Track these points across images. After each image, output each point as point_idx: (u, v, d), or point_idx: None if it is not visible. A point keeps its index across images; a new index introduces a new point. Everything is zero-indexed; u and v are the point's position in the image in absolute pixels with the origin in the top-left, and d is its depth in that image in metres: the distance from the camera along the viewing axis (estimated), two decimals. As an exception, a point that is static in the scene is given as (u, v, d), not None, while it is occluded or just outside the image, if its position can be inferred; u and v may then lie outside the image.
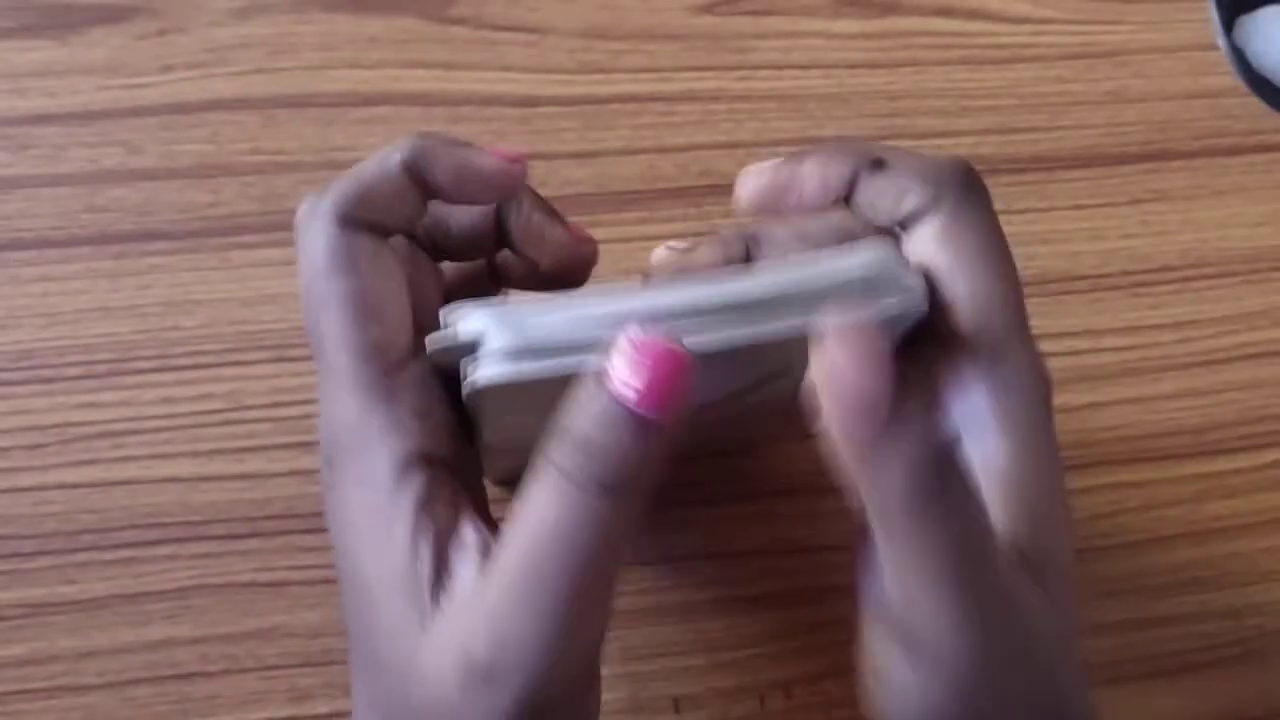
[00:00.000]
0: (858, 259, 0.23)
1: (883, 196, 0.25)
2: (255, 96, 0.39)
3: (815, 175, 0.25)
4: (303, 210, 0.24)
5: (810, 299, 0.22)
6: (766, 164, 0.26)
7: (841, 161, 0.25)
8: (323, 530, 0.35)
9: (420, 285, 0.25)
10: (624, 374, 0.20)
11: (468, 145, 0.25)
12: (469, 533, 0.22)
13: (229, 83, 0.39)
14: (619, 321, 0.21)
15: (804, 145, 0.41)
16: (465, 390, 0.22)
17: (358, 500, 0.22)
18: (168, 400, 0.36)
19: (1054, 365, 0.40)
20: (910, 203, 0.24)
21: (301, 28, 0.40)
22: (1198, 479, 0.39)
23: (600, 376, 0.20)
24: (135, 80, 0.39)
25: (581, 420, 0.20)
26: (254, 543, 0.35)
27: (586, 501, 0.20)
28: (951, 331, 0.24)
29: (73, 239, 0.37)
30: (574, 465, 0.20)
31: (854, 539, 0.23)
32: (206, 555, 0.33)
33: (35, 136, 0.38)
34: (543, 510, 0.20)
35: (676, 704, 0.34)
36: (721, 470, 0.37)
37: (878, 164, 0.25)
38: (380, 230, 0.24)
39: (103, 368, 0.36)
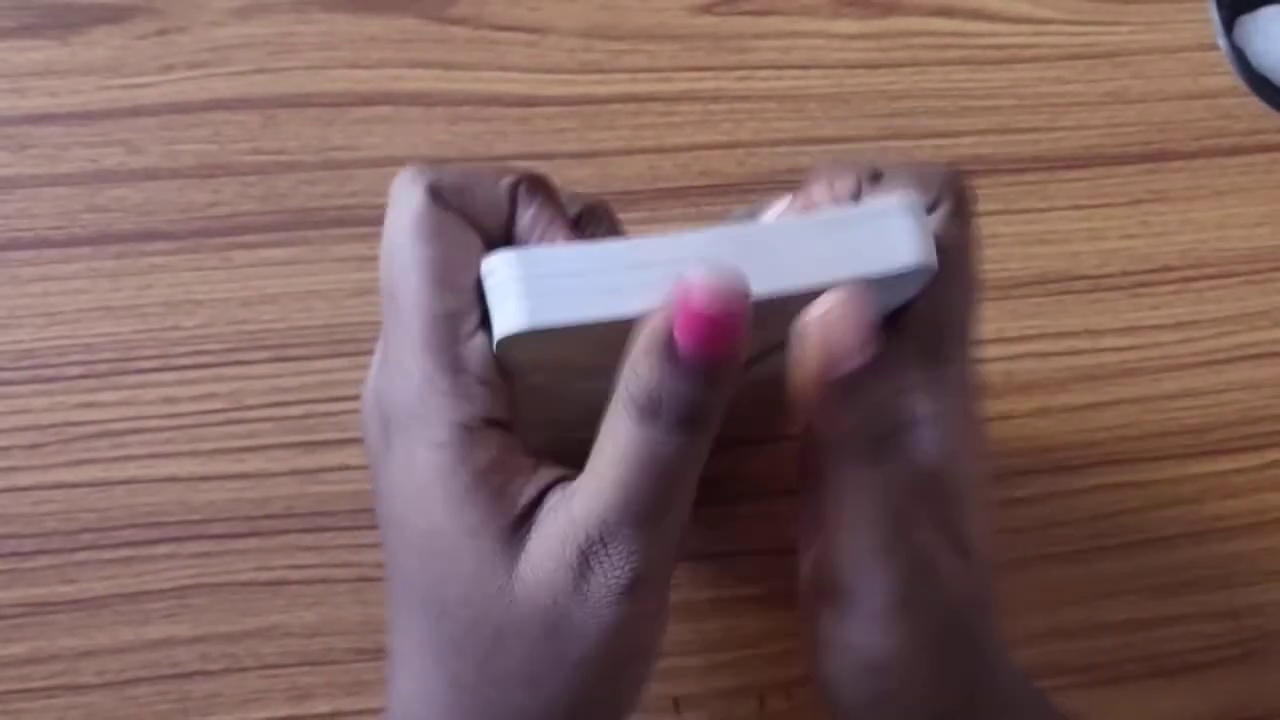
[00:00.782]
0: (884, 204, 0.24)
1: None
2: (256, 96, 0.39)
3: (824, 194, 0.26)
4: (402, 177, 0.24)
5: (835, 251, 0.23)
6: (781, 201, 0.28)
7: (845, 176, 0.26)
8: (322, 529, 0.36)
9: None
10: (687, 316, 0.21)
11: (561, 227, 0.25)
12: (546, 474, 0.23)
13: (229, 82, 0.39)
14: (644, 264, 0.22)
15: (804, 146, 0.41)
16: (497, 337, 0.23)
17: (426, 459, 0.23)
18: (168, 400, 0.36)
19: (1054, 365, 0.40)
20: None
21: (302, 27, 0.40)
22: (1198, 479, 0.39)
23: (665, 320, 0.21)
24: (136, 80, 0.39)
25: (650, 362, 0.21)
26: (254, 542, 0.35)
27: (666, 438, 0.22)
28: (912, 329, 0.25)
29: (73, 239, 0.37)
30: (650, 404, 0.21)
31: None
32: (206, 554, 0.33)
33: (36, 136, 0.38)
34: (624, 445, 0.22)
35: (677, 704, 0.34)
36: (722, 470, 0.37)
37: (876, 176, 0.26)
38: (467, 218, 0.24)
39: (103, 367, 0.36)
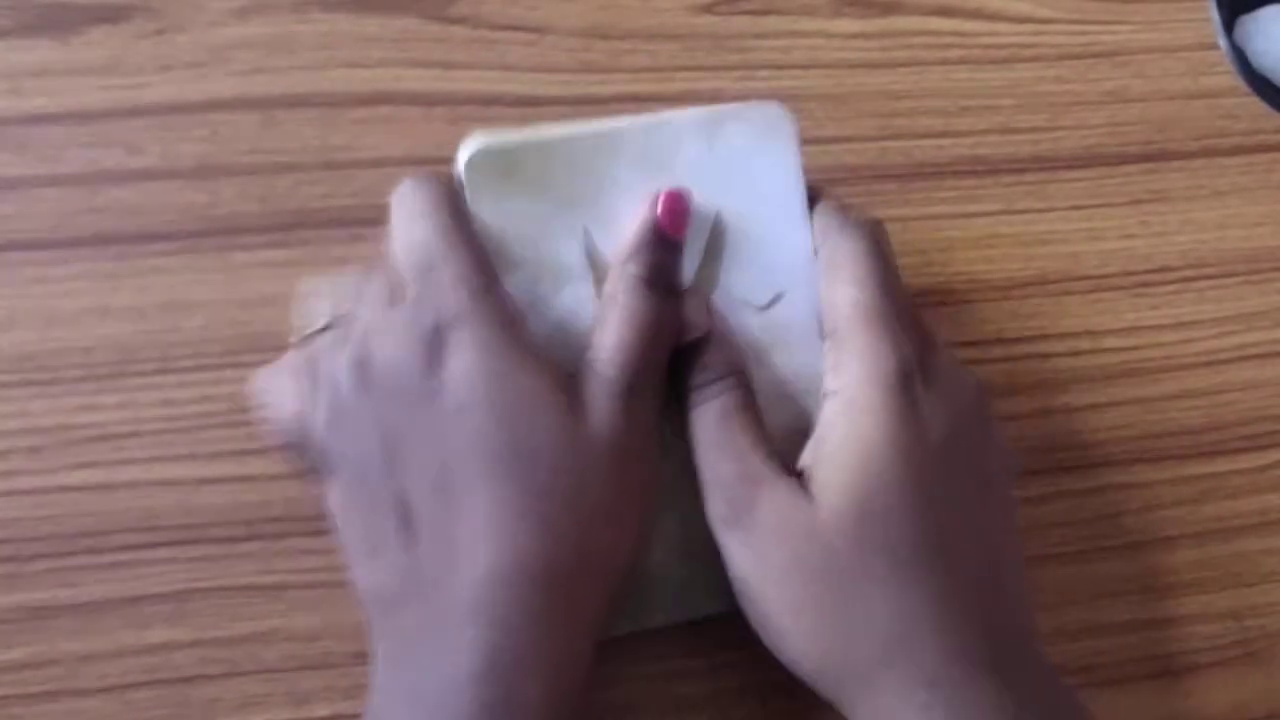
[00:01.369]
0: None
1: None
2: (255, 96, 0.39)
3: None
4: (407, 186, 0.31)
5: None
6: None
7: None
8: (322, 533, 0.35)
9: None
10: (668, 208, 0.32)
11: None
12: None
13: (228, 83, 0.39)
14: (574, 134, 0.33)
15: (804, 145, 0.41)
16: (460, 165, 0.32)
17: (494, 340, 0.29)
18: (167, 402, 0.36)
19: (1055, 366, 0.40)
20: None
21: (301, 27, 0.40)
22: (1199, 480, 0.39)
23: (652, 215, 0.32)
24: (134, 80, 0.39)
25: (650, 243, 0.32)
26: (253, 545, 0.35)
27: (654, 293, 0.31)
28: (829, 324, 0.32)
29: (72, 240, 0.37)
30: (651, 274, 0.31)
31: None
32: (206, 558, 0.33)
33: (34, 137, 0.38)
34: (628, 310, 0.31)
35: (678, 705, 0.34)
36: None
37: (812, 200, 0.34)
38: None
39: (102, 369, 0.36)
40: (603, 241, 0.33)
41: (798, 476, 0.30)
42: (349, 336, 0.30)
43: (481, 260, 0.30)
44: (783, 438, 0.32)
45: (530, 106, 0.40)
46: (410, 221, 0.30)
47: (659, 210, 0.32)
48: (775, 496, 0.30)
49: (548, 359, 0.30)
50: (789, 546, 0.29)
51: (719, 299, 0.33)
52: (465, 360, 0.28)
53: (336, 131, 0.39)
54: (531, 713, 0.27)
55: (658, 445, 0.31)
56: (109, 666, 0.33)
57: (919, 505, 0.29)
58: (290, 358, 0.31)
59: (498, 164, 0.32)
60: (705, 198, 0.33)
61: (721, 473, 0.31)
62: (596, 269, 0.33)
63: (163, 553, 0.34)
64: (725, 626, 0.35)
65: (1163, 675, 0.36)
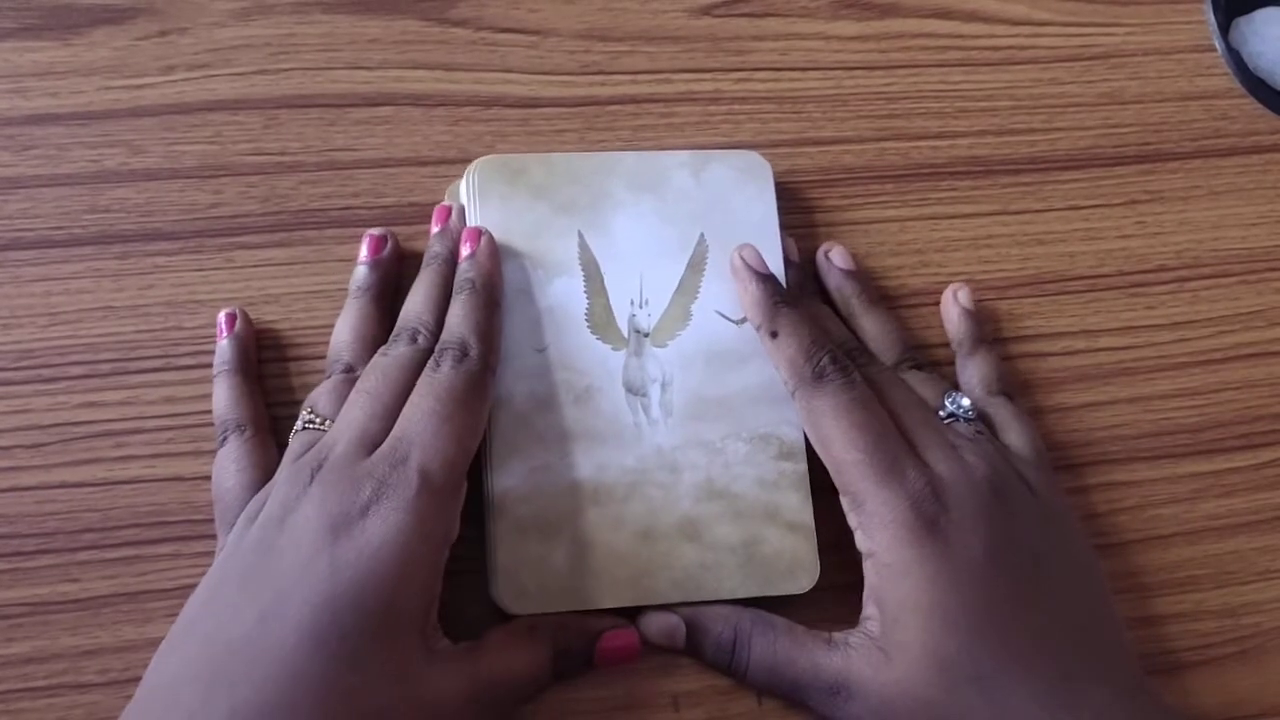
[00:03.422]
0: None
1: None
2: (257, 97, 0.39)
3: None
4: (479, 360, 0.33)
5: None
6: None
7: (752, 311, 0.36)
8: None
9: None
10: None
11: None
12: None
13: (231, 83, 0.39)
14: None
15: (802, 147, 0.42)
16: (471, 168, 0.37)
17: (410, 543, 0.30)
18: (170, 400, 0.36)
19: (1051, 365, 0.40)
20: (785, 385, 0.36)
21: (303, 29, 0.41)
22: (1194, 478, 0.40)
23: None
24: (137, 81, 0.39)
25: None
26: (256, 541, 0.35)
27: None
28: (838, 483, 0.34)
29: (75, 239, 0.37)
30: None
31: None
32: (208, 554, 0.33)
33: (38, 137, 0.38)
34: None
35: (675, 701, 0.35)
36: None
37: (773, 334, 0.35)
38: None
39: (105, 367, 0.36)
40: (594, 246, 0.36)
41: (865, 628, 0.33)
42: (316, 460, 0.31)
43: (462, 457, 0.31)
44: (758, 437, 0.36)
45: (531, 108, 0.41)
46: (447, 402, 0.31)
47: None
48: (862, 679, 0.32)
49: (435, 599, 0.31)
50: (890, 707, 0.31)
51: (699, 308, 0.37)
52: (371, 537, 0.29)
53: (338, 132, 0.39)
54: None
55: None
56: (112, 661, 0.33)
57: (987, 622, 0.31)
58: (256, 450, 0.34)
59: (505, 170, 0.37)
60: (690, 219, 0.37)
61: (806, 688, 0.33)
62: (586, 268, 0.36)
63: (165, 548, 0.34)
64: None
65: (1157, 673, 0.37)
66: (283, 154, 0.39)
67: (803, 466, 0.36)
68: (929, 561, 0.31)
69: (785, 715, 0.35)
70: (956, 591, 0.31)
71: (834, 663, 0.32)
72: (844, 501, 0.34)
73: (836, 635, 0.33)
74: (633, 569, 0.34)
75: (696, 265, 0.37)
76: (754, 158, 0.39)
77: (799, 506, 0.35)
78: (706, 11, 0.43)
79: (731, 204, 0.38)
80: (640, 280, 0.37)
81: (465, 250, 0.35)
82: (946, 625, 0.31)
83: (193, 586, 0.31)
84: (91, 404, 0.36)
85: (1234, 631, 0.38)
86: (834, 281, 0.39)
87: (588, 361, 0.35)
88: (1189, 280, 0.42)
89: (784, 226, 0.38)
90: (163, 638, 0.30)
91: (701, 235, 0.37)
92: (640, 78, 0.42)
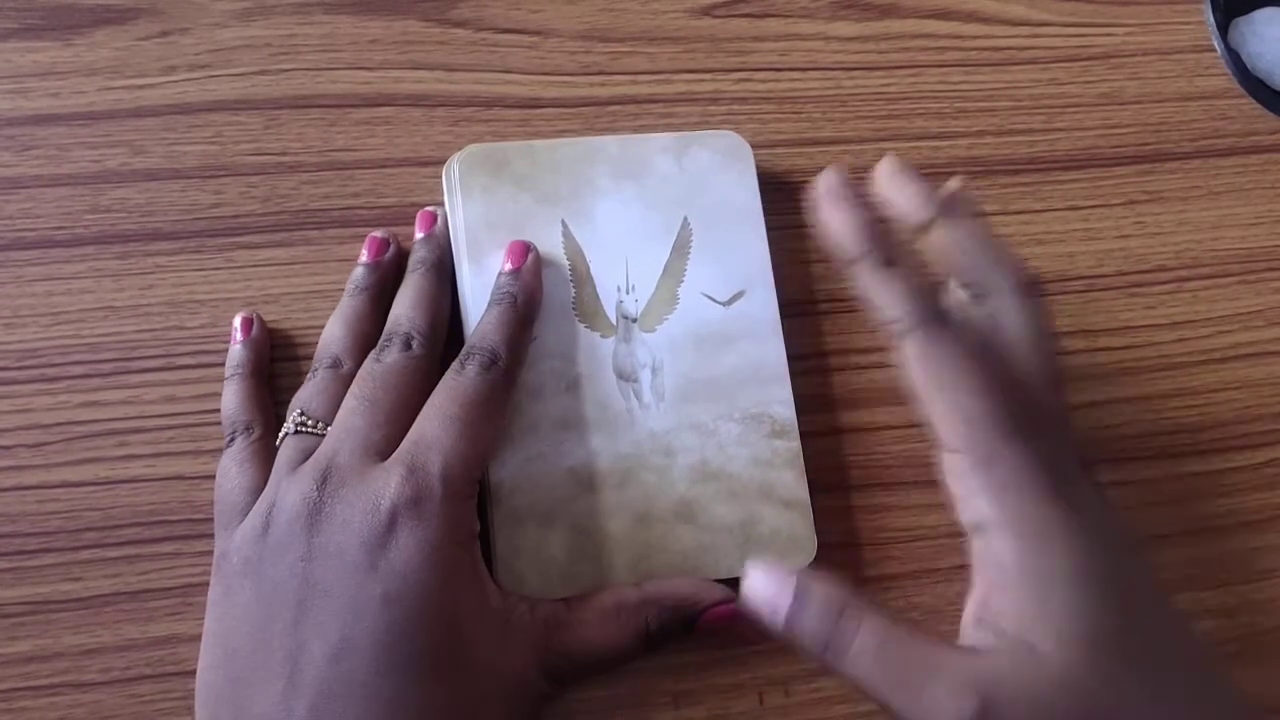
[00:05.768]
0: None
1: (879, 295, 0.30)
2: (258, 97, 0.40)
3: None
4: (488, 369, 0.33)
5: None
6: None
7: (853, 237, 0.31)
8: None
9: None
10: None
11: None
12: None
13: (232, 84, 0.40)
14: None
15: (802, 147, 0.42)
16: (454, 159, 0.37)
17: (445, 547, 0.30)
18: (171, 399, 0.36)
19: (1050, 365, 0.40)
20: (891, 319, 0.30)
21: (304, 29, 0.41)
22: (1194, 478, 0.40)
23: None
24: (138, 81, 0.39)
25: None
26: (257, 540, 0.35)
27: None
28: (951, 445, 0.29)
29: (77, 239, 0.37)
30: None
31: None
32: (210, 552, 0.33)
33: (39, 137, 0.38)
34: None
35: (676, 700, 0.35)
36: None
37: (890, 262, 0.30)
38: None
39: (106, 367, 0.36)
40: (578, 234, 0.37)
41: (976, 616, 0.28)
42: (319, 470, 0.31)
43: (480, 463, 0.32)
44: (750, 417, 0.36)
45: (531, 108, 0.41)
46: (461, 395, 0.32)
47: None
48: (1005, 682, 0.27)
49: (488, 581, 0.31)
50: (1047, 711, 0.26)
51: (685, 292, 0.37)
52: (410, 554, 0.29)
53: (339, 132, 0.40)
54: None
55: None
56: (113, 660, 0.33)
57: (1121, 594, 0.28)
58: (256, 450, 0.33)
59: (488, 161, 0.37)
60: (673, 203, 0.38)
61: (918, 689, 0.27)
62: (571, 257, 0.37)
63: (167, 547, 0.34)
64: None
65: (1156, 671, 0.37)
66: (283, 154, 0.39)
67: (796, 444, 0.36)
68: (1072, 520, 0.27)
69: (786, 715, 0.35)
70: (1104, 556, 0.27)
71: (969, 664, 0.27)
72: (962, 462, 0.28)
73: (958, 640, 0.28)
74: (630, 553, 0.34)
75: (681, 249, 0.37)
76: (734, 138, 0.39)
77: (794, 484, 0.35)
78: (707, 12, 0.43)
79: (714, 186, 0.38)
80: (626, 266, 0.37)
81: (508, 265, 0.35)
82: (1106, 600, 0.27)
83: (193, 585, 0.31)
84: (93, 403, 0.36)
85: (1233, 631, 0.38)
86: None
87: (577, 350, 0.36)
88: (1188, 280, 0.42)
89: (767, 210, 0.38)
90: (164, 637, 0.30)
91: (685, 219, 0.38)
92: (640, 78, 0.42)
